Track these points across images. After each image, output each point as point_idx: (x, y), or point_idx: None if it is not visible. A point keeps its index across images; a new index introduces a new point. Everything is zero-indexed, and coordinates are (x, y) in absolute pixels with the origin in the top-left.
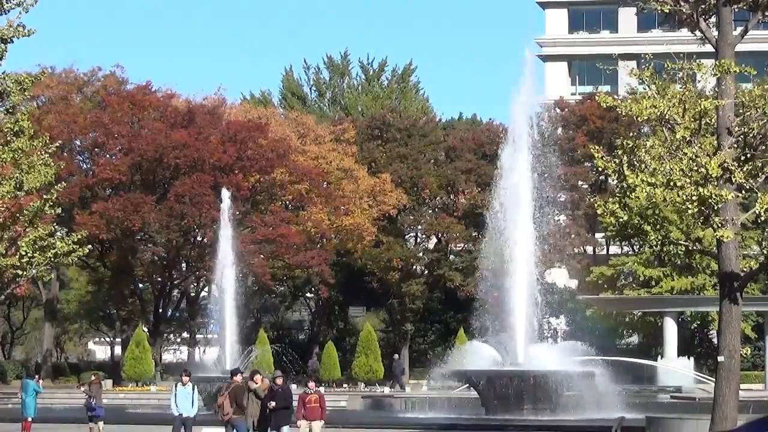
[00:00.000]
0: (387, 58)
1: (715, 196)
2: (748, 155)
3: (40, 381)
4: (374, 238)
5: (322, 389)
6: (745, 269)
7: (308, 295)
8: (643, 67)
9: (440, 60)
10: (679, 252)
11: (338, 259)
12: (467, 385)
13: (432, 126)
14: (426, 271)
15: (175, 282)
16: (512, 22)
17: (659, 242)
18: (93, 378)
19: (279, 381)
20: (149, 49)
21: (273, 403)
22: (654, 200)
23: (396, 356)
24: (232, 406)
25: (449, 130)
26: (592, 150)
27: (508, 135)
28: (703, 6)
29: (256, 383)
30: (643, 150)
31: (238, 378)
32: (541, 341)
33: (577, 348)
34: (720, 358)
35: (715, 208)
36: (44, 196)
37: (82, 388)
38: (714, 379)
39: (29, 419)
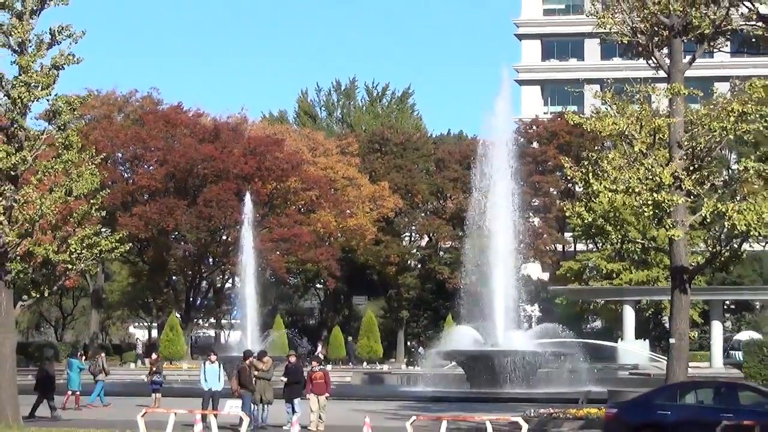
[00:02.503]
0: (389, 83)
1: (668, 201)
2: (696, 166)
3: (84, 359)
4: (374, 237)
5: (329, 367)
6: (693, 264)
7: (318, 286)
8: (606, 90)
9: (432, 83)
10: (637, 249)
11: (343, 255)
12: (454, 363)
13: (424, 141)
14: (419, 266)
15: (204, 275)
16: (493, 51)
17: (619, 240)
18: (155, 356)
19: (292, 359)
20: (181, 73)
21: (285, 379)
22: (615, 204)
23: (350, 338)
24: (238, 383)
25: (439, 144)
26: (562, 161)
27: (488, 148)
28: (657, 38)
29: (263, 363)
30: (606, 161)
31: (252, 360)
32: (518, 326)
33: (554, 331)
34: (671, 340)
35: (668, 211)
36: (91, 201)
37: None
38: (666, 358)
39: (76, 392)
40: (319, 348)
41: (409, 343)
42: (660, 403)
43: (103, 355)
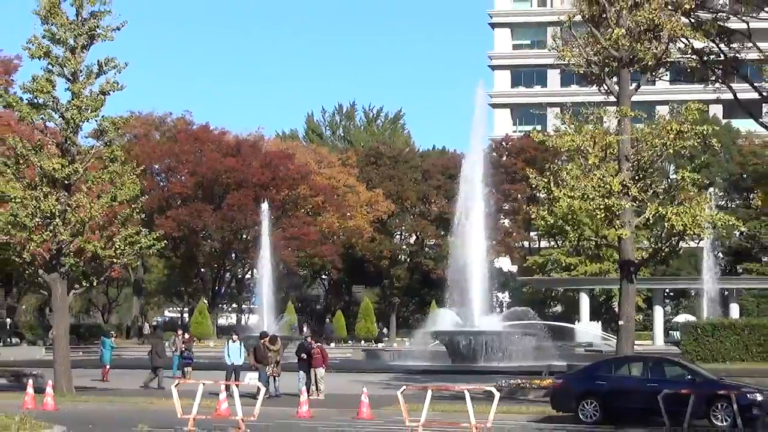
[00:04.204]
0: (384, 106)
1: (617, 205)
2: (641, 176)
3: (114, 339)
4: (371, 236)
5: (332, 345)
6: (638, 258)
7: (323, 276)
8: (565, 112)
9: (419, 106)
10: (591, 246)
11: (345, 250)
12: (438, 341)
13: (412, 155)
14: (408, 259)
15: (227, 267)
16: (470, 79)
17: (576, 238)
18: (187, 336)
19: (309, 339)
20: (209, 96)
21: (304, 356)
22: (572, 208)
23: (327, 320)
24: (255, 359)
25: (425, 158)
26: (528, 172)
27: (467, 161)
28: (607, 69)
29: (274, 345)
30: (565, 172)
31: (265, 340)
32: (491, 310)
33: (522, 314)
34: (620, 322)
35: (617, 214)
36: (132, 206)
37: (179, 340)
38: (616, 338)
39: (106, 366)
40: (305, 330)
41: (376, 324)
42: (598, 374)
43: (180, 332)
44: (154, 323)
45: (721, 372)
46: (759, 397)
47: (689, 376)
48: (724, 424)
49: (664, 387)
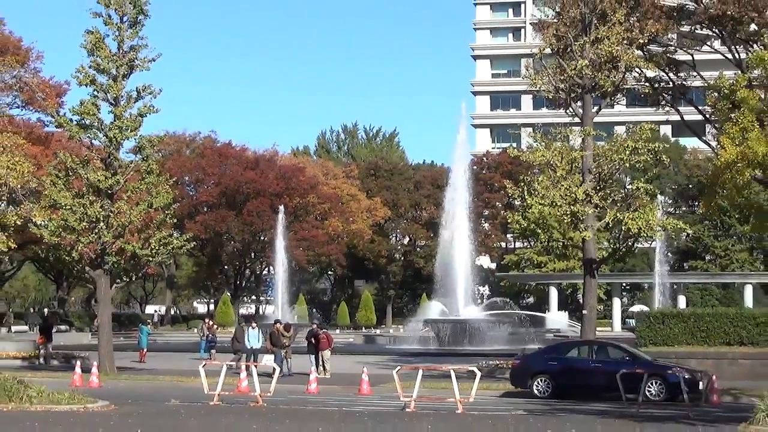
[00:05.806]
0: (382, 126)
1: (581, 211)
2: (602, 186)
3: (150, 326)
4: (370, 238)
5: (337, 331)
6: (599, 257)
7: (329, 272)
8: (537, 131)
9: (412, 125)
10: (559, 246)
11: (348, 250)
12: (428, 328)
13: (406, 168)
14: (402, 258)
15: (247, 265)
16: (455, 102)
17: (546, 240)
18: (211, 323)
19: (316, 326)
20: (232, 116)
21: (313, 340)
22: (543, 214)
23: (314, 310)
24: (271, 343)
25: (417, 171)
26: (505, 183)
27: (452, 174)
28: (573, 94)
29: (287, 330)
30: (536, 183)
31: (278, 326)
32: (473, 301)
33: (500, 304)
34: (584, 312)
35: (581, 219)
36: (166, 212)
37: (206, 327)
38: (580, 325)
39: (143, 349)
40: (295, 319)
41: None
42: (550, 356)
43: (207, 320)
44: (242, 314)
45: (670, 354)
46: (686, 375)
47: (627, 358)
48: (658, 398)
49: (606, 367)
